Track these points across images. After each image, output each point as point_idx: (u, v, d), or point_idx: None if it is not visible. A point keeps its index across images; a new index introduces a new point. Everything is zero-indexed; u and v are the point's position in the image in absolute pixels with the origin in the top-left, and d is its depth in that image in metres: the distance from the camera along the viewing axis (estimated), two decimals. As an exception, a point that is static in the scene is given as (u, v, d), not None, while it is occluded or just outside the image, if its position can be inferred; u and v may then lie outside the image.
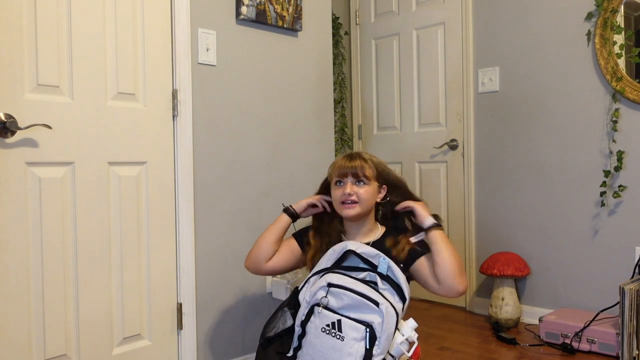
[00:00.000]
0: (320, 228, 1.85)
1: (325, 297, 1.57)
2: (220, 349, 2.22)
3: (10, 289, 1.69)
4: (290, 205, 1.87)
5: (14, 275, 1.70)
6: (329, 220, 1.85)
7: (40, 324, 1.76)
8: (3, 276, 1.68)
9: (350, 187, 1.72)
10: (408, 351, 1.56)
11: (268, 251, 1.82)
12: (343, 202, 1.73)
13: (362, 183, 1.74)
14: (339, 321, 1.53)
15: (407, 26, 3.49)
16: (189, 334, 2.11)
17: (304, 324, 1.60)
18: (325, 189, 1.87)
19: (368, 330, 1.51)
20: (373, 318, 1.52)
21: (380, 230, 1.83)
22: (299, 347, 1.60)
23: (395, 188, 1.82)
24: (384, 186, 1.80)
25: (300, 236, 1.88)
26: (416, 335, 1.58)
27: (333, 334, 1.52)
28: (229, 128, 2.26)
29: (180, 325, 2.10)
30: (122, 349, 1.96)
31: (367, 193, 1.74)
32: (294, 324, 1.64)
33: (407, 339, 1.56)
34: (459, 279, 1.65)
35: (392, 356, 1.55)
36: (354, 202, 1.72)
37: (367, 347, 1.51)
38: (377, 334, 1.51)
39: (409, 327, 1.59)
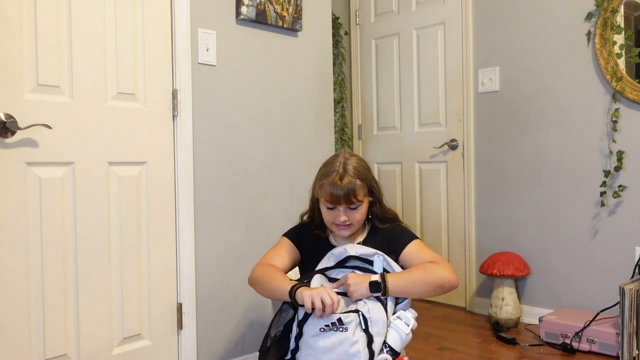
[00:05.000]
0: (314, 238, 1.80)
1: None
2: (220, 349, 2.22)
3: (10, 288, 1.70)
4: (295, 291, 1.57)
5: (14, 275, 1.70)
6: (321, 230, 1.80)
7: (40, 324, 1.76)
8: (3, 276, 1.68)
9: (343, 215, 1.64)
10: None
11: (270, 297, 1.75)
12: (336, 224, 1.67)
13: (354, 208, 1.66)
14: (340, 319, 1.52)
15: (407, 26, 3.49)
16: (189, 334, 2.11)
17: (301, 324, 1.57)
18: (317, 207, 1.76)
19: (360, 313, 1.52)
20: (357, 306, 1.54)
21: (365, 231, 1.79)
22: (296, 349, 1.59)
23: (376, 200, 1.75)
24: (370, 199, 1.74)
25: (297, 239, 1.81)
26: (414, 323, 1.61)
27: (335, 329, 1.50)
28: (229, 128, 2.26)
29: (180, 325, 2.11)
30: (122, 349, 1.96)
31: (361, 214, 1.67)
32: (290, 321, 1.62)
33: (411, 329, 1.58)
34: (445, 286, 1.60)
35: (389, 346, 1.56)
36: (349, 225, 1.67)
37: (364, 328, 1.51)
38: (367, 316, 1.52)
39: (411, 316, 1.60)
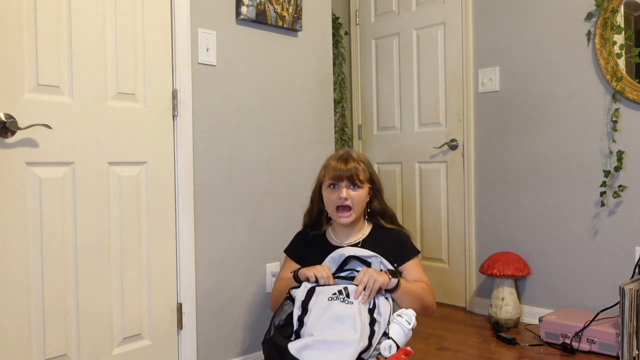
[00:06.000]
0: (311, 241, 1.92)
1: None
2: (220, 349, 2.22)
3: (10, 289, 1.69)
4: (297, 272, 1.78)
5: (14, 275, 1.70)
6: (317, 228, 1.92)
7: (40, 324, 1.76)
8: (3, 276, 1.68)
9: (345, 191, 1.75)
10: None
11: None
12: (337, 208, 1.78)
13: (356, 187, 1.77)
14: (346, 288, 1.63)
15: (407, 26, 3.49)
16: (189, 334, 2.11)
17: (305, 303, 1.64)
18: (319, 194, 1.88)
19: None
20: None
21: (366, 228, 1.87)
22: (300, 326, 1.63)
23: (376, 191, 1.87)
24: (371, 187, 1.86)
25: (295, 252, 1.96)
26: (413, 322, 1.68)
27: (342, 299, 1.60)
28: (229, 128, 2.26)
29: (180, 325, 2.10)
30: (122, 349, 1.96)
31: (361, 197, 1.79)
32: (292, 312, 1.67)
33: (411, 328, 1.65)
34: (429, 311, 1.80)
35: (392, 338, 1.59)
36: (349, 207, 1.77)
37: (370, 307, 1.62)
38: (376, 301, 1.63)
39: (412, 315, 1.66)
